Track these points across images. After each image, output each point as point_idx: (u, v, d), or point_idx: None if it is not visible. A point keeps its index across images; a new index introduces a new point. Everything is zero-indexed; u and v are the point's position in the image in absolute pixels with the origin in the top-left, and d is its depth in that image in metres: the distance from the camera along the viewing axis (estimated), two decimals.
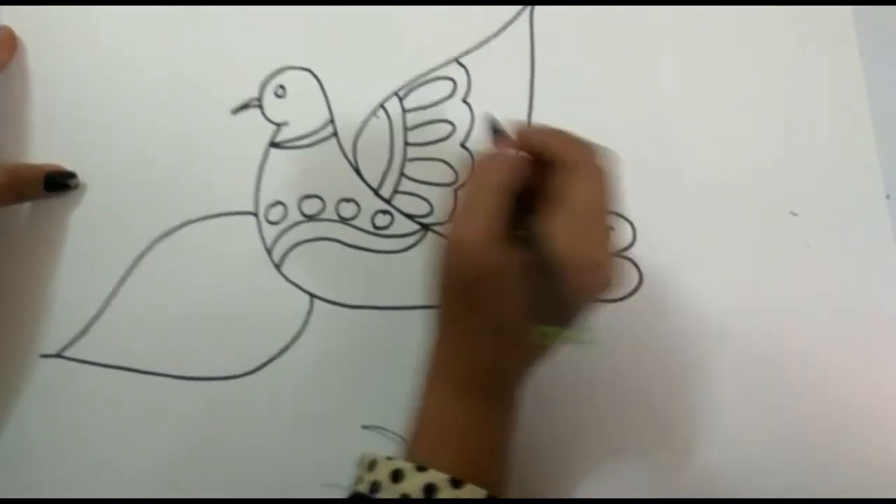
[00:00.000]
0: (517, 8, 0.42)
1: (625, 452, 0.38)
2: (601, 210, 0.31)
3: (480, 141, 0.41)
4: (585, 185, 0.30)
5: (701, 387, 0.38)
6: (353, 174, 0.42)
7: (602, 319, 0.38)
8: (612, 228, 0.31)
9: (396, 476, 0.31)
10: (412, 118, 0.42)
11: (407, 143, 0.42)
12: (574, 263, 0.29)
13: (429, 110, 0.42)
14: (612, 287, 0.30)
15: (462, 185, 0.41)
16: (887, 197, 0.38)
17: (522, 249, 0.31)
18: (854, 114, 0.39)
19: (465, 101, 0.41)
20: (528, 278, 0.31)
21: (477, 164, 0.33)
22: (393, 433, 0.39)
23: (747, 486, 0.37)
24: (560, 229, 0.30)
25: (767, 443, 0.37)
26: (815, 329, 0.37)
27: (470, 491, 0.30)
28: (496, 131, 0.35)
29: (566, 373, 0.38)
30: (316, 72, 0.43)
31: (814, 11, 0.40)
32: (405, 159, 0.41)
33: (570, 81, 0.41)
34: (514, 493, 0.38)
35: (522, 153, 0.33)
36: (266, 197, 0.42)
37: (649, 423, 0.38)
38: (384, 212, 0.41)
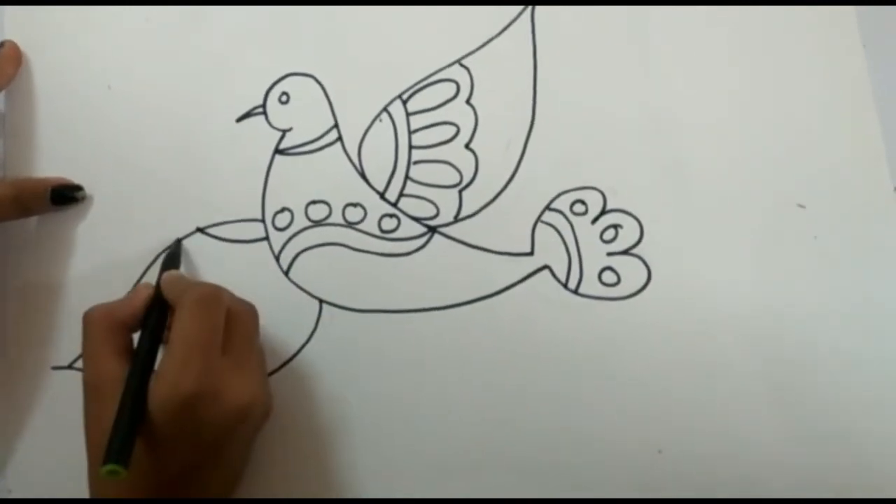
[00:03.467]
0: (518, 8, 0.42)
1: (635, 451, 0.37)
2: (189, 343, 0.33)
3: (483, 143, 0.41)
4: (179, 323, 0.34)
5: (709, 382, 0.37)
6: (359, 178, 0.42)
7: (612, 316, 0.39)
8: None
9: None
10: (416, 121, 0.42)
11: (411, 146, 0.42)
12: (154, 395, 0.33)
13: (433, 113, 0.42)
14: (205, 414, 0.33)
15: (466, 187, 0.41)
16: (895, 189, 0.38)
17: None
18: (860, 105, 0.39)
19: (468, 102, 0.42)
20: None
21: (86, 315, 0.37)
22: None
23: (758, 484, 0.36)
24: (160, 368, 0.33)
25: (776, 437, 0.37)
26: (823, 322, 0.37)
27: None
28: (168, 264, 0.40)
29: (574, 371, 0.38)
30: (319, 77, 0.43)
31: (817, 7, 0.40)
32: (410, 162, 0.42)
33: (573, 80, 0.41)
34: (522, 493, 0.38)
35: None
36: (272, 203, 0.42)
37: (659, 420, 0.37)
38: (390, 215, 0.41)
